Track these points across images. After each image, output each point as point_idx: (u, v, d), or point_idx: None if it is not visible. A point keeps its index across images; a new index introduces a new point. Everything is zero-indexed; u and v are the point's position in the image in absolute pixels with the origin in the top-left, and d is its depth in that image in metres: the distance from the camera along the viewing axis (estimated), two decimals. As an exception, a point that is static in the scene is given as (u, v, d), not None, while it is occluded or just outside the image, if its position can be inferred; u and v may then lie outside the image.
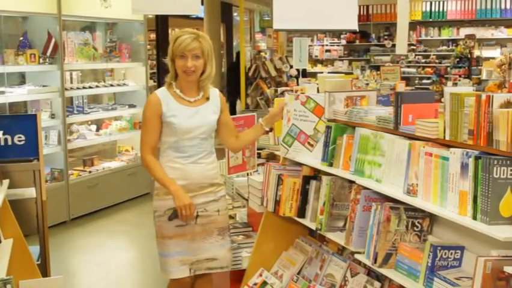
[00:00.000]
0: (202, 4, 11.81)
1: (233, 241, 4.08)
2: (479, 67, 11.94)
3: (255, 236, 4.21)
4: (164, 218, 3.41)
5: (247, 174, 4.60)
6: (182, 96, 3.43)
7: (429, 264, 2.82)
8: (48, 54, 6.71)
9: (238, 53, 11.99)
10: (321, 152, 3.68)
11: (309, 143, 3.45)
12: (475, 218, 2.60)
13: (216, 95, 3.57)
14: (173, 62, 3.39)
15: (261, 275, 4.07)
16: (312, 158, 3.58)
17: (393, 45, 13.31)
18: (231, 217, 4.51)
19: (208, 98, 3.51)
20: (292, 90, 4.83)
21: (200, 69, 3.38)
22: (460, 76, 11.88)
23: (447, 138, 2.78)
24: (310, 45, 14.63)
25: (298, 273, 3.95)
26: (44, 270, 4.25)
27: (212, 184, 3.51)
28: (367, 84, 7.22)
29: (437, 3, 13.71)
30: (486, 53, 12.76)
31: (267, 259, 4.13)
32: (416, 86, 13.41)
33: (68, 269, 5.51)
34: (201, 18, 12.50)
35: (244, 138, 3.77)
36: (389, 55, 14.21)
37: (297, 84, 7.09)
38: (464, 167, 2.64)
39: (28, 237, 4.00)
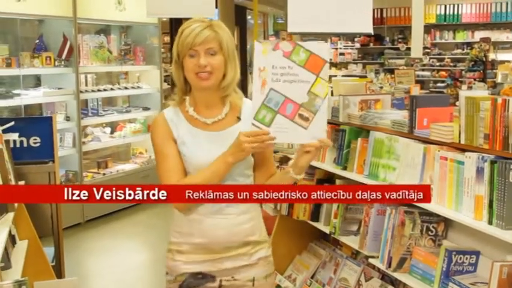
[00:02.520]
0: (216, 7, 11.84)
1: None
2: (494, 70, 11.86)
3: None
4: (175, 285, 2.48)
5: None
6: (195, 116, 2.41)
7: (444, 269, 2.81)
8: (63, 57, 6.74)
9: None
10: (335, 154, 3.68)
11: (301, 115, 2.20)
12: (490, 222, 2.59)
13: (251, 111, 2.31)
14: (181, 66, 2.38)
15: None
16: (309, 138, 2.22)
17: (408, 49, 13.28)
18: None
19: (239, 118, 2.42)
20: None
21: (219, 70, 2.33)
22: (474, 79, 11.82)
23: (462, 142, 2.76)
24: (324, 48, 14.59)
25: (312, 277, 3.95)
26: (59, 272, 4.27)
27: (246, 243, 2.43)
28: (381, 87, 7.20)
29: (451, 6, 13.65)
30: (501, 56, 12.67)
31: (280, 263, 4.13)
32: (431, 90, 13.35)
33: (82, 271, 5.52)
34: (215, 21, 12.53)
35: None
36: (403, 58, 14.15)
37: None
38: (479, 171, 2.63)
39: (43, 239, 4.01)
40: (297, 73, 2.21)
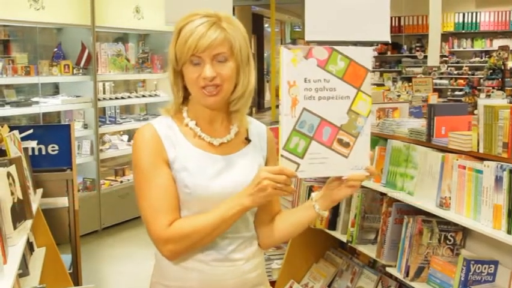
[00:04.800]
0: (234, 15, 11.90)
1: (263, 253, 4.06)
2: (513, 78, 11.82)
3: (286, 247, 4.20)
4: None
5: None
6: (199, 133, 1.88)
7: (462, 279, 2.79)
8: (81, 65, 6.80)
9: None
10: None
11: (340, 141, 1.77)
12: (509, 232, 2.56)
13: (261, 132, 2.00)
14: (180, 74, 1.85)
15: (291, 287, 4.06)
16: (350, 169, 1.82)
17: (425, 57, 13.23)
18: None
19: (248, 139, 1.94)
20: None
21: (230, 81, 1.81)
22: (493, 88, 11.75)
23: (481, 151, 2.74)
24: (341, 57, 14.58)
25: (329, 285, 3.93)
26: (76, 279, 4.29)
27: None
28: (399, 95, 7.18)
29: (469, 14, 13.61)
30: (520, 64, 12.61)
31: (297, 271, 4.12)
32: (449, 98, 13.30)
33: (99, 278, 5.54)
34: (232, 30, 12.60)
35: (282, 226, 2.05)
36: (420, 66, 14.11)
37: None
38: (498, 180, 2.61)
39: (60, 246, 4.03)
40: (335, 87, 1.74)
